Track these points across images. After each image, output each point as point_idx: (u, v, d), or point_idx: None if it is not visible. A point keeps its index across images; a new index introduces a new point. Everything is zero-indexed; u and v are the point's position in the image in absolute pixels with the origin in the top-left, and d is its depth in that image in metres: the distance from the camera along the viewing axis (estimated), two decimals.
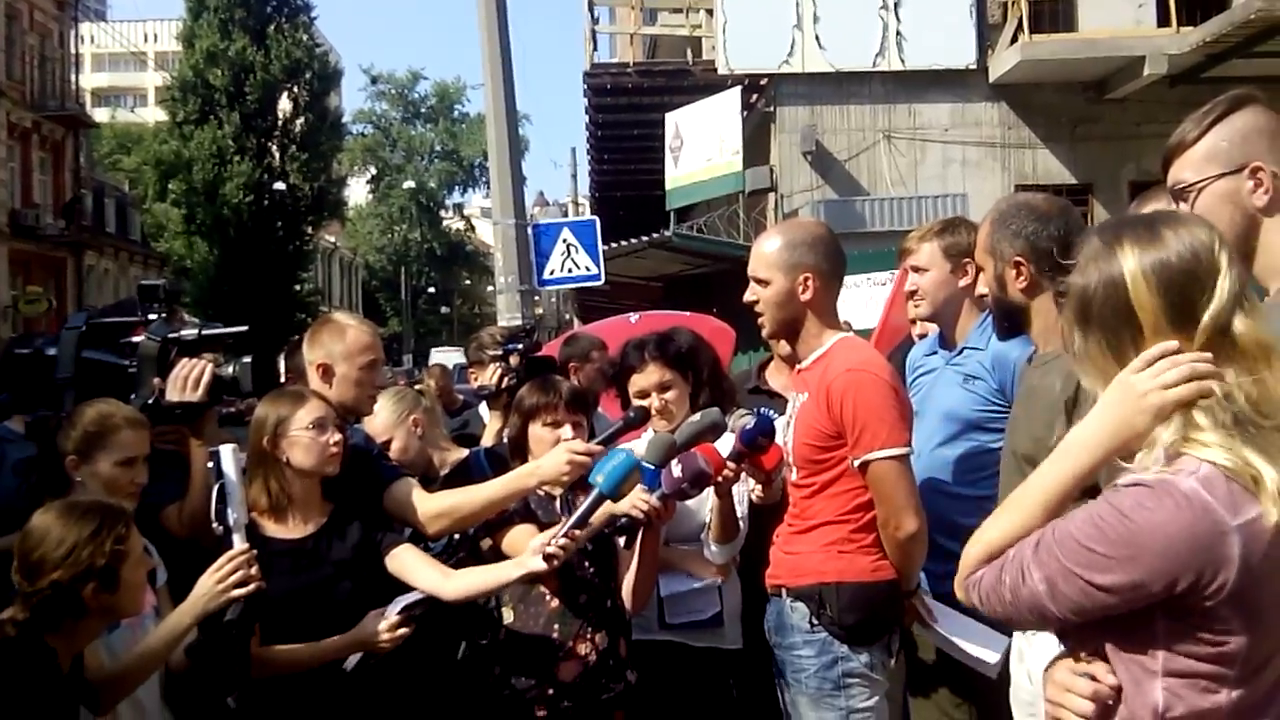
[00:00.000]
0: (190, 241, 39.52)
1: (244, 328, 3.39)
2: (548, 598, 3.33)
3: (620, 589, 3.46)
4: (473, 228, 65.80)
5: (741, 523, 3.59)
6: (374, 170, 62.42)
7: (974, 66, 15.16)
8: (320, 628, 3.11)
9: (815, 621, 3.12)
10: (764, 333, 3.35)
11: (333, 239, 59.09)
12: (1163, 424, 1.67)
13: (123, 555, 2.51)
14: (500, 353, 4.07)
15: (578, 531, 3.00)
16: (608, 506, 3.19)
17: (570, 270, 12.05)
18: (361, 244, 65.29)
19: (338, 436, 3.21)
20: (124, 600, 2.58)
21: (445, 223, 65.08)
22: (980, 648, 3.18)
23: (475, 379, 4.36)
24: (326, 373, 3.43)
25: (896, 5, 15.18)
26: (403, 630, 3.07)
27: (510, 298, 12.57)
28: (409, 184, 59.44)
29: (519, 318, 12.38)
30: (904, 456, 3.08)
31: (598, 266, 12.11)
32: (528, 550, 3.01)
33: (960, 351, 3.60)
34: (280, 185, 37.77)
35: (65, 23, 37.03)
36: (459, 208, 66.39)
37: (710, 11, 16.21)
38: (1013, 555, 1.74)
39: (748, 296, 3.28)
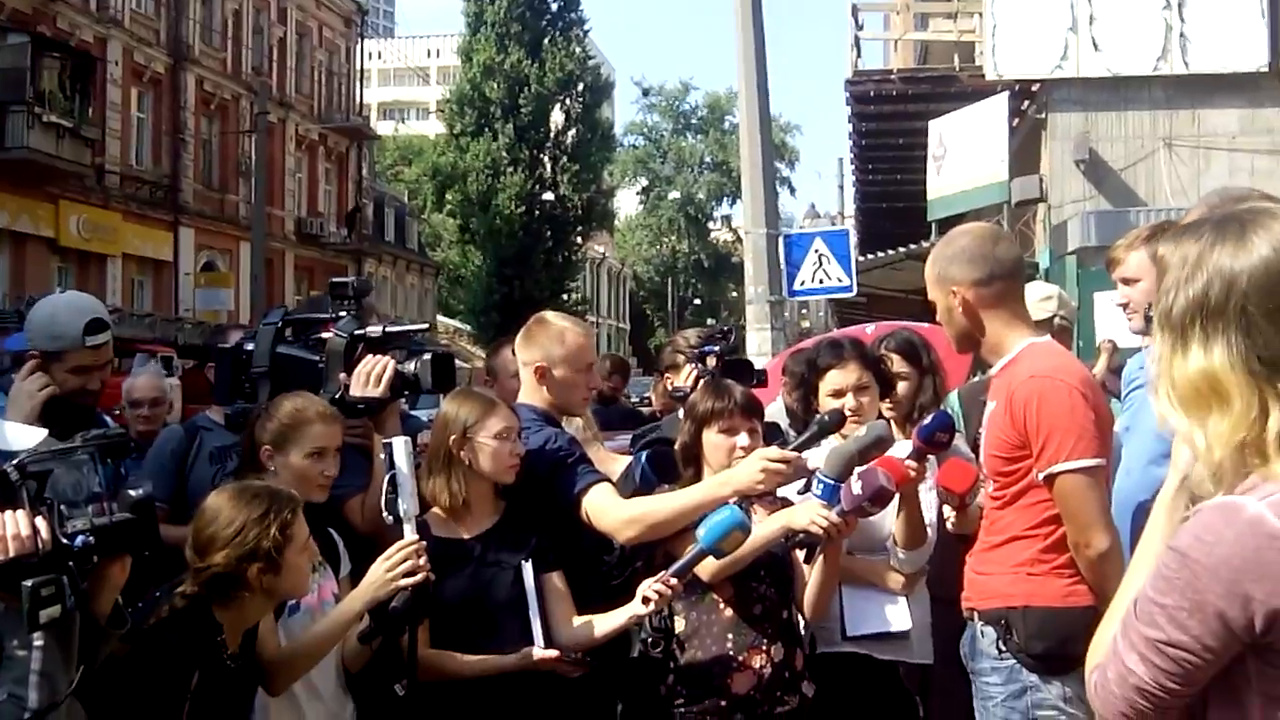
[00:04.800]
0: (464, 251, 41.48)
1: (425, 325, 3.45)
2: (721, 607, 3.28)
3: (797, 601, 3.37)
4: (740, 239, 66.15)
5: (930, 529, 3.47)
6: (644, 181, 63.79)
7: (1265, 69, 13.93)
8: (485, 629, 3.12)
9: (1003, 648, 2.94)
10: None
11: (601, 249, 60.82)
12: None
13: (288, 539, 2.60)
14: (696, 354, 4.03)
15: (674, 580, 2.98)
16: (786, 519, 3.15)
17: (821, 281, 11.88)
18: (630, 254, 66.83)
19: (521, 449, 3.23)
20: (287, 582, 2.66)
21: (713, 234, 65.72)
22: None
23: (670, 383, 4.31)
24: (544, 375, 3.46)
25: (1180, 5, 14.16)
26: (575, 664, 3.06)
27: (760, 308, 12.57)
28: (674, 195, 60.38)
29: (768, 329, 12.38)
30: (1094, 469, 2.86)
31: (850, 278, 11.89)
32: (637, 594, 3.03)
33: None
34: (550, 196, 39.13)
35: (352, 39, 39.78)
36: (727, 219, 66.99)
37: (981, 15, 15.69)
38: (1110, 647, 1.53)
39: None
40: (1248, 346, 1.48)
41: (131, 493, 2.22)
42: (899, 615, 3.54)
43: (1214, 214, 1.60)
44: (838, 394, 3.70)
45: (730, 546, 2.97)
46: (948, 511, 3.30)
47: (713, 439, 3.35)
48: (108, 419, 3.87)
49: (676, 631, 3.28)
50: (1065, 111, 14.83)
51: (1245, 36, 14.02)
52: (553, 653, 3.07)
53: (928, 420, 3.16)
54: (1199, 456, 1.51)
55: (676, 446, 3.46)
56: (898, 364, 3.96)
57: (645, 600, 2.99)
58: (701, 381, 3.82)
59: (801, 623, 3.43)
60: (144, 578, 2.60)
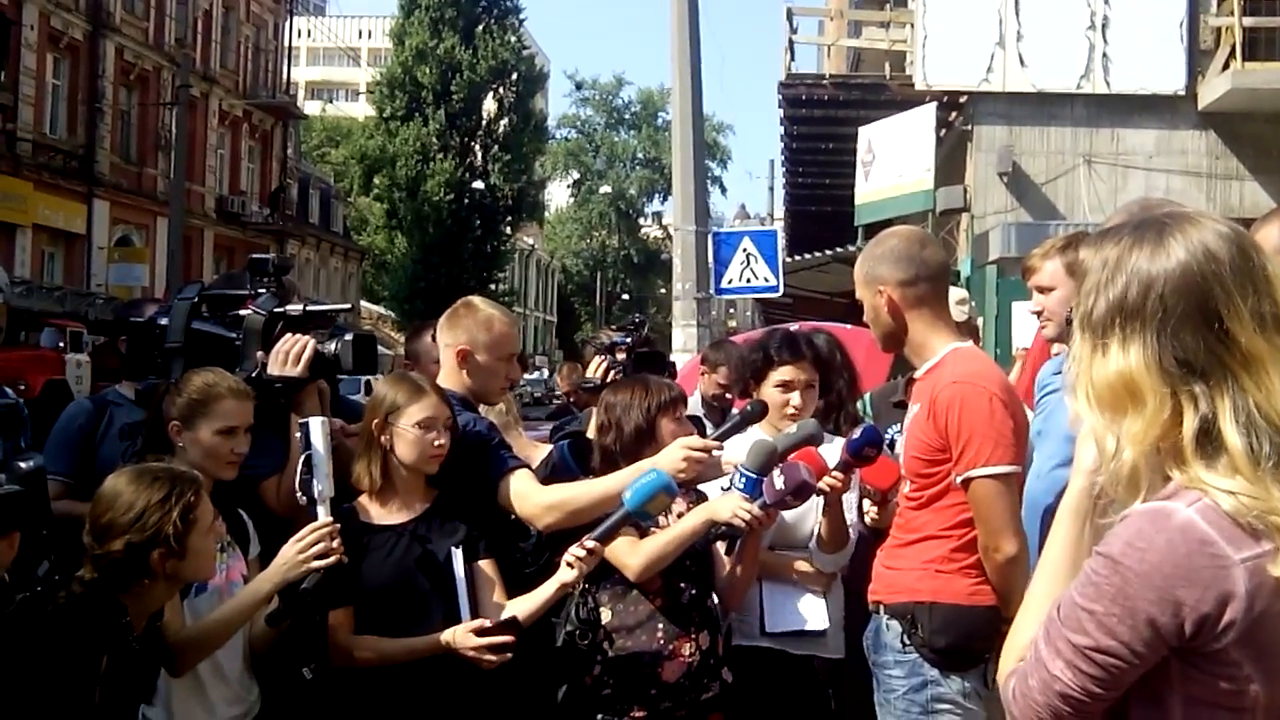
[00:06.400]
0: (391, 236, 40.99)
1: (348, 306, 3.39)
2: (651, 598, 3.29)
3: (718, 590, 3.42)
4: (669, 236, 66.33)
5: (851, 531, 3.52)
6: (576, 175, 63.63)
7: (1182, 93, 14.36)
8: (412, 616, 3.08)
9: (907, 641, 3.02)
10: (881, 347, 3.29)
11: (530, 241, 60.60)
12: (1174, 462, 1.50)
13: (191, 523, 2.50)
14: (605, 346, 4.03)
15: (593, 543, 2.96)
16: (710, 513, 3.18)
17: (749, 280, 11.95)
18: (560, 247, 66.65)
19: (443, 440, 3.15)
20: (191, 566, 2.56)
21: (643, 230, 65.82)
22: None
23: (582, 372, 4.33)
24: (465, 358, 3.42)
25: (1104, 26, 14.53)
26: (501, 639, 2.97)
27: (687, 305, 12.63)
28: (606, 189, 60.34)
29: (694, 325, 12.44)
30: (1008, 475, 2.93)
31: (776, 278, 11.98)
32: (564, 560, 3.00)
33: None
34: (480, 184, 38.86)
35: (280, 15, 38.96)
36: (658, 216, 67.15)
37: (913, 26, 15.92)
38: (1031, 654, 1.53)
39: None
40: (1162, 347, 1.50)
41: (22, 464, 2.12)
42: (817, 614, 3.59)
43: (1133, 219, 1.63)
44: (786, 386, 3.76)
45: (656, 510, 2.99)
46: (868, 505, 3.37)
47: (672, 427, 3.36)
48: (9, 390, 3.76)
49: (603, 623, 3.28)
50: (990, 124, 15.11)
51: (1164, 60, 14.41)
52: (480, 622, 3.00)
53: (857, 435, 3.22)
54: (1107, 459, 1.52)
55: (627, 434, 3.41)
56: None
57: (570, 565, 2.96)
58: (612, 373, 3.83)
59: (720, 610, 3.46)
60: (39, 552, 2.52)
